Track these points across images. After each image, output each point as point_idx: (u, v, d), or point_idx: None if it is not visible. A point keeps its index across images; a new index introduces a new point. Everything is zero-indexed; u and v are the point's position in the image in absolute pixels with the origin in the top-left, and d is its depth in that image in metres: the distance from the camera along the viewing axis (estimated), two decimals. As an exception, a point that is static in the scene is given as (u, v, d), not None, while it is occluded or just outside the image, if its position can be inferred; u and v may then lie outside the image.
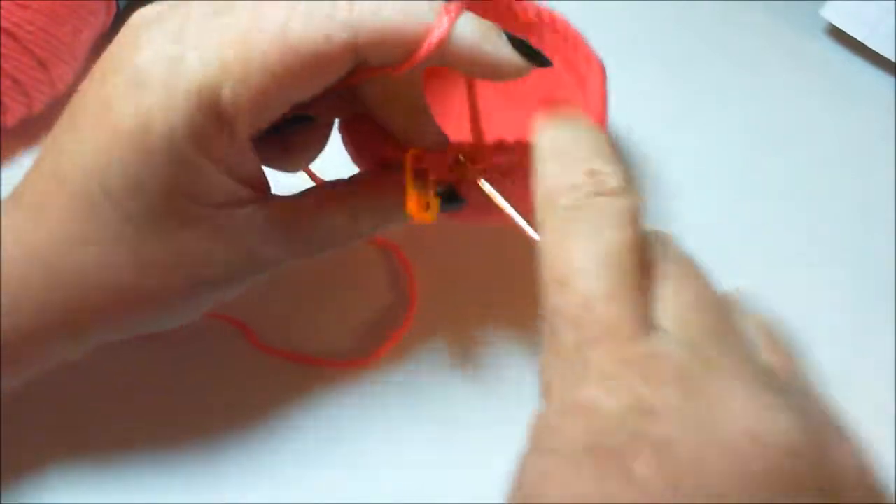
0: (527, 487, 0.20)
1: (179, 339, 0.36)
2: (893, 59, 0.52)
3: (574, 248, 0.21)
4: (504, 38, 0.25)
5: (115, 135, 0.24)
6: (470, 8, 0.26)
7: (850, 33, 0.53)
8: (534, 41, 0.31)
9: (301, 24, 0.23)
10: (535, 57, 0.26)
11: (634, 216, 0.21)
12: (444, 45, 0.24)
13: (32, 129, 0.41)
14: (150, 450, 0.34)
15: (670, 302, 0.21)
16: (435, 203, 0.28)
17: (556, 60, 0.31)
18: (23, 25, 0.37)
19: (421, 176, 0.29)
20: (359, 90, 0.29)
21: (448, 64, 0.25)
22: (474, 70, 0.26)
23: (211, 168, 0.25)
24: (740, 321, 0.22)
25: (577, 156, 0.23)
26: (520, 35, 0.25)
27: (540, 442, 0.20)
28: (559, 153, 0.23)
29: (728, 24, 0.55)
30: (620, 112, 0.49)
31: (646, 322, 0.20)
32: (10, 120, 0.40)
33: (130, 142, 0.24)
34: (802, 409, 0.19)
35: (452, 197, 0.29)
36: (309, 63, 0.23)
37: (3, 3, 0.37)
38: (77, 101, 0.26)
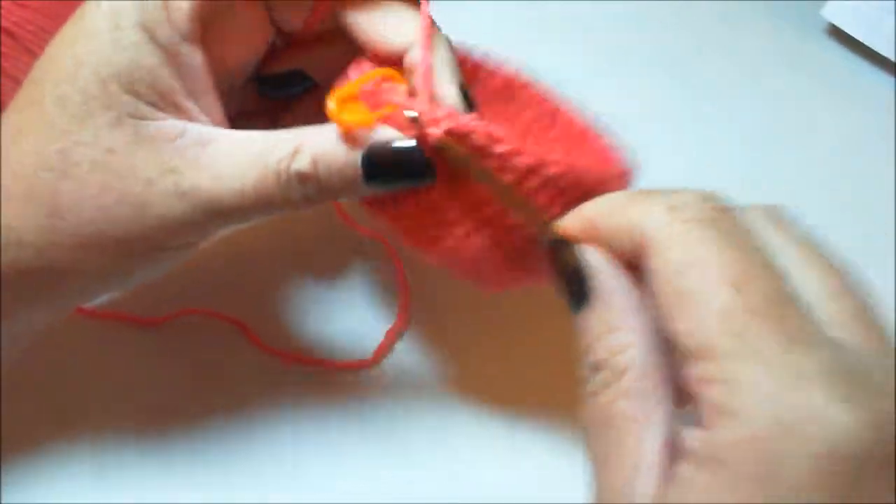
0: None
1: (179, 338, 0.36)
2: (893, 59, 0.52)
3: (736, 253, 0.19)
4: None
5: (75, 18, 0.26)
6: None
7: (850, 33, 0.53)
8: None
9: None
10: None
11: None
12: None
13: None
14: (149, 448, 0.34)
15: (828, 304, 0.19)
16: (361, 109, 0.25)
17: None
18: (23, 25, 0.37)
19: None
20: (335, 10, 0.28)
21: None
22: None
23: (151, 50, 0.25)
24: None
25: (666, 190, 0.22)
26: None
27: (748, 472, 0.17)
28: (642, 193, 0.22)
29: (728, 24, 0.55)
30: (620, 112, 0.49)
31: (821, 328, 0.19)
32: (10, 120, 0.40)
33: (82, 20, 0.25)
34: None
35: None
36: None
37: (2, 2, 0.37)
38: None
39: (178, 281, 0.38)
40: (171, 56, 0.25)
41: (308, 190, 0.26)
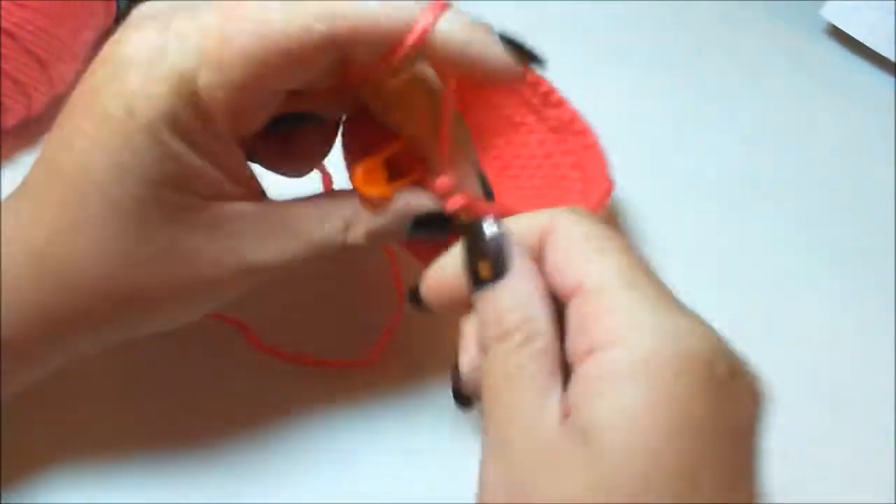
0: None
1: (179, 339, 0.36)
2: (893, 59, 0.52)
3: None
4: (495, 36, 0.25)
5: (101, 120, 0.24)
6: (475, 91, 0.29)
7: (850, 33, 0.53)
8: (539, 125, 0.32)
9: (279, 15, 0.24)
10: (528, 55, 0.26)
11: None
12: (426, 38, 0.24)
13: (32, 129, 0.41)
14: (150, 449, 0.34)
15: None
16: (382, 181, 0.28)
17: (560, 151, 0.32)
18: (23, 25, 0.37)
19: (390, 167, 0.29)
20: (359, 91, 0.29)
21: (436, 62, 0.26)
22: (462, 68, 0.25)
23: (193, 156, 0.25)
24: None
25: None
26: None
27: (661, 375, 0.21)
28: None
29: (728, 25, 0.55)
30: (620, 112, 0.49)
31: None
32: (10, 120, 0.40)
33: (114, 126, 0.24)
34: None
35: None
36: (286, 53, 0.24)
37: (3, 3, 0.37)
38: (74, 93, 0.26)
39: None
40: (213, 155, 0.26)
41: (359, 254, 0.29)
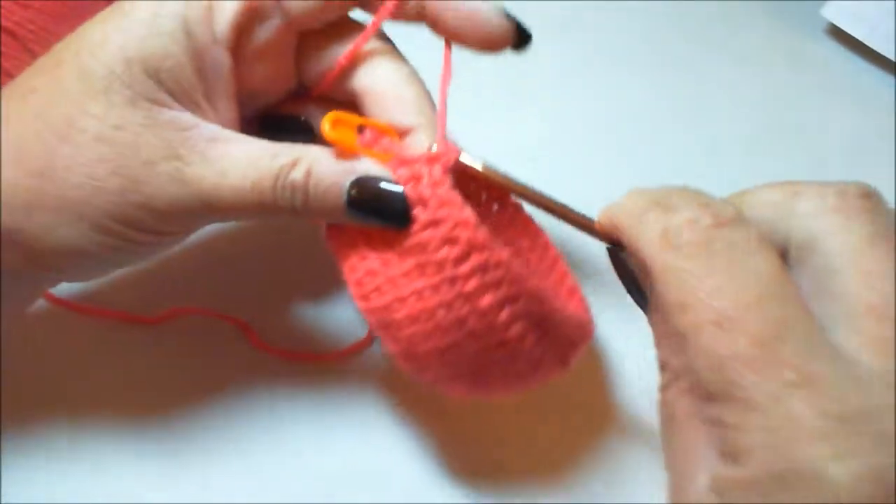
0: None
1: (179, 337, 0.36)
2: (893, 59, 0.52)
3: (727, 284, 0.18)
4: (492, 4, 0.27)
5: (114, 9, 0.26)
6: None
7: (850, 33, 0.53)
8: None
9: None
10: (519, 29, 0.28)
11: (766, 239, 0.20)
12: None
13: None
14: (150, 448, 0.33)
15: (856, 318, 0.18)
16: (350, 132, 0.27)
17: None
18: (23, 25, 0.37)
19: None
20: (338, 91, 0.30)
21: (427, 19, 0.27)
22: (452, 28, 0.27)
23: (179, 53, 0.25)
24: None
25: (680, 196, 0.21)
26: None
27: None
28: (656, 201, 0.22)
29: (728, 25, 0.55)
30: (620, 112, 0.49)
31: (838, 356, 0.17)
32: (11, 119, 0.40)
33: (123, 10, 0.26)
34: None
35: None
36: None
37: (3, 2, 0.37)
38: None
39: (179, 281, 0.38)
40: (201, 54, 0.26)
41: (296, 200, 0.27)
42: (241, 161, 0.26)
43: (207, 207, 0.26)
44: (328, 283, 0.38)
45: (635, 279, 0.23)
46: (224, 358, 0.36)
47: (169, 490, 0.33)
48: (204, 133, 0.26)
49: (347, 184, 0.26)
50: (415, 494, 0.33)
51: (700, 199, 0.21)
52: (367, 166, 0.27)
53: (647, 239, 0.20)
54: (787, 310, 0.18)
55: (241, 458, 0.34)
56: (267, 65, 0.28)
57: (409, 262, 0.26)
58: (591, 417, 0.36)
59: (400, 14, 0.28)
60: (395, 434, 0.35)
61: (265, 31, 0.27)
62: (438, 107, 0.28)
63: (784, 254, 0.20)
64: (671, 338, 0.20)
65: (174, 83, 0.26)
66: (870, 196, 0.20)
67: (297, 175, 0.26)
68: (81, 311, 0.36)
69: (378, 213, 0.27)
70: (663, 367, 0.21)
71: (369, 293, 0.27)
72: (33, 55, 0.38)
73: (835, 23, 0.53)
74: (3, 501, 0.32)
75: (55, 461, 0.33)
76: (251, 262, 0.39)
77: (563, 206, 0.27)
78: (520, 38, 0.28)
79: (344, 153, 0.27)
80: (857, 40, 0.53)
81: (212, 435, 0.34)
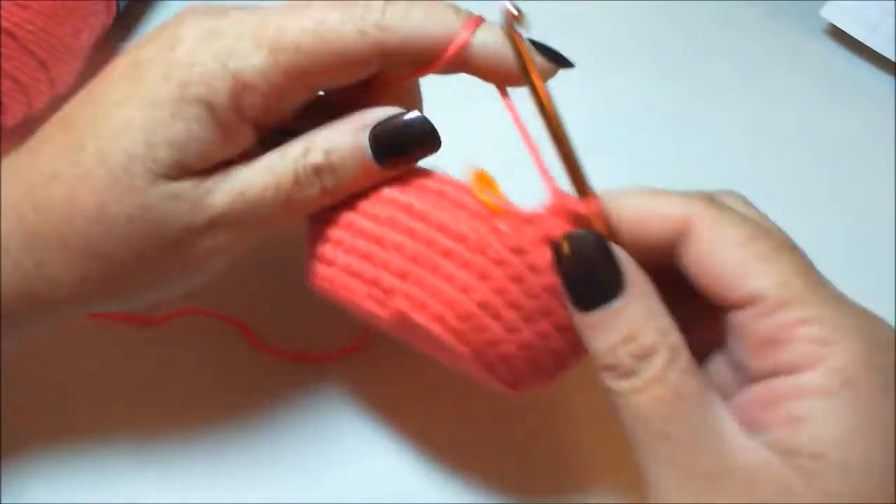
0: None
1: (179, 338, 0.36)
2: (893, 59, 0.52)
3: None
4: (528, 42, 0.26)
5: (129, 79, 0.26)
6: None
7: (850, 33, 0.53)
8: None
9: (337, 17, 0.25)
10: (559, 59, 0.27)
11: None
12: (466, 48, 0.26)
13: (32, 129, 0.41)
14: (150, 448, 0.33)
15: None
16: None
17: None
18: (23, 25, 0.37)
19: None
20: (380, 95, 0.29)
21: (474, 69, 0.27)
22: (501, 73, 0.26)
23: (205, 129, 0.25)
24: None
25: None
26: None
27: (873, 383, 0.20)
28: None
29: (728, 25, 0.55)
30: (621, 112, 0.49)
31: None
32: (10, 120, 0.40)
33: (138, 84, 0.25)
34: None
35: None
36: (338, 52, 0.25)
37: (3, 3, 0.37)
38: (113, 62, 0.27)
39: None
40: (227, 131, 0.26)
41: (325, 181, 0.27)
42: (256, 174, 0.26)
43: (240, 235, 0.27)
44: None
45: (613, 265, 0.23)
46: (224, 359, 0.36)
47: (169, 490, 0.33)
48: (218, 177, 0.26)
49: (365, 139, 0.26)
50: (414, 495, 0.33)
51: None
52: (372, 114, 0.27)
53: (692, 202, 0.24)
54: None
55: (241, 458, 0.34)
56: (285, 113, 0.28)
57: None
58: (592, 417, 0.36)
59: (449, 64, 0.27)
60: (394, 434, 0.35)
61: (294, 100, 0.27)
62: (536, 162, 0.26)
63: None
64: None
65: (198, 159, 0.26)
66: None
67: (316, 157, 0.26)
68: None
69: (406, 145, 0.26)
70: (649, 353, 0.22)
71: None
72: (33, 56, 0.38)
73: (835, 23, 0.53)
74: (3, 501, 0.32)
75: (55, 461, 0.33)
76: (251, 264, 0.39)
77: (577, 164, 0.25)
78: (559, 64, 0.28)
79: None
80: (857, 40, 0.53)
81: (212, 435, 0.34)
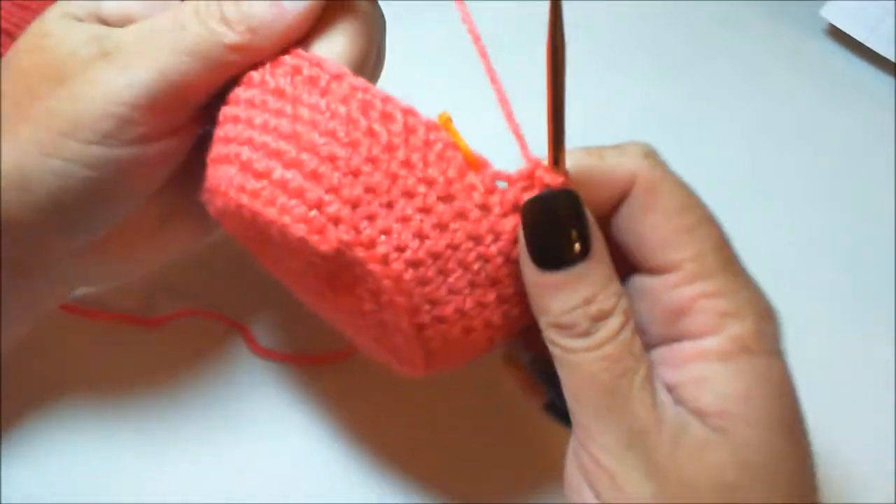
0: None
1: (179, 338, 0.36)
2: (893, 59, 0.52)
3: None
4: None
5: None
6: None
7: (850, 33, 0.53)
8: None
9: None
10: None
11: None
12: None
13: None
14: (149, 448, 0.34)
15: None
16: None
17: None
18: (22, 25, 0.37)
19: None
20: None
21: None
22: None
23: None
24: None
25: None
26: None
27: (765, 348, 0.23)
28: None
29: (728, 25, 0.55)
30: (620, 112, 0.49)
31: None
32: (10, 120, 0.40)
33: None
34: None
35: None
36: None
37: (3, 3, 0.37)
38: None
39: (178, 281, 0.38)
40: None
41: (231, 18, 0.24)
42: (153, 10, 0.26)
43: (150, 88, 0.24)
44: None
45: (583, 224, 0.23)
46: (223, 359, 0.36)
47: (169, 490, 0.33)
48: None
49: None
50: (413, 494, 0.33)
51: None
52: None
53: (636, 160, 0.26)
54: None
55: (240, 458, 0.34)
56: None
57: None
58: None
59: None
60: (393, 434, 0.35)
61: None
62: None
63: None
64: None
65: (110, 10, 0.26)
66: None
67: (230, 12, 0.24)
68: (81, 314, 0.36)
69: None
70: (606, 315, 0.23)
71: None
72: (32, 56, 0.38)
73: (835, 23, 0.53)
74: (3, 501, 0.32)
75: (55, 461, 0.33)
76: (251, 263, 0.39)
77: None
78: None
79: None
80: (857, 40, 0.53)
81: (212, 436, 0.34)
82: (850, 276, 0.42)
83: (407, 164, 0.23)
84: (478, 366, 0.37)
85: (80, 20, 0.26)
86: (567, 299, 0.22)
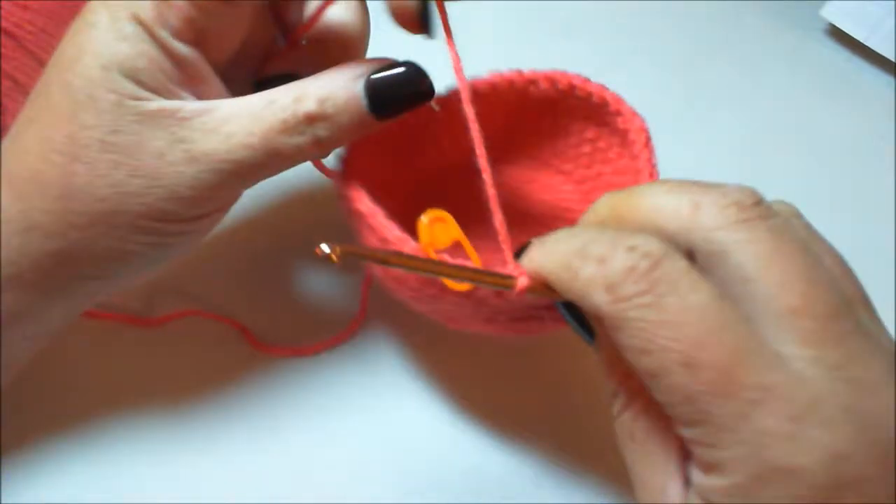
0: None
1: (179, 338, 0.36)
2: (893, 59, 0.52)
3: (681, 327, 0.20)
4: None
5: (80, 22, 0.26)
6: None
7: (850, 33, 0.53)
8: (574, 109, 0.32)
9: None
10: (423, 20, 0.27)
11: (693, 269, 0.21)
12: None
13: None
14: (150, 448, 0.34)
15: (784, 319, 0.20)
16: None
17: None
18: (23, 26, 0.37)
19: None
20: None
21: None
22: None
23: (147, 47, 0.25)
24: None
25: (601, 244, 0.22)
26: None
27: None
28: (579, 253, 0.22)
29: (728, 25, 0.55)
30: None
31: (779, 359, 0.19)
32: (10, 120, 0.40)
33: (85, 20, 0.26)
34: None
35: None
36: None
37: (3, 3, 0.37)
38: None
39: (178, 281, 0.38)
40: (166, 49, 0.26)
41: (318, 130, 0.27)
42: (241, 119, 0.26)
43: (228, 176, 0.26)
44: (324, 284, 0.39)
45: (580, 318, 0.25)
46: (223, 358, 0.36)
47: (169, 490, 0.33)
48: (194, 109, 0.26)
49: (361, 88, 0.27)
50: (413, 494, 0.34)
51: (621, 241, 0.21)
52: (367, 63, 0.27)
53: (593, 295, 0.21)
54: (736, 334, 0.20)
55: (241, 458, 0.34)
56: (238, 37, 0.28)
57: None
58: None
59: None
60: (391, 427, 0.35)
61: (223, 18, 0.27)
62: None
63: (690, 257, 0.22)
64: (625, 370, 0.22)
65: (151, 79, 0.26)
66: (761, 202, 0.22)
67: (308, 106, 0.26)
68: (81, 314, 0.36)
69: (403, 99, 0.27)
70: (615, 394, 0.23)
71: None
72: (32, 56, 0.38)
73: (835, 23, 0.53)
74: (3, 501, 0.32)
75: (55, 461, 0.33)
76: (251, 263, 0.39)
77: (475, 270, 0.25)
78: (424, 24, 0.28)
79: (426, 246, 0.26)
80: (857, 40, 0.53)
81: (211, 436, 0.34)
82: (850, 276, 0.42)
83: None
84: (479, 367, 0.37)
85: (133, 99, 0.26)
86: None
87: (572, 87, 0.32)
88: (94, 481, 0.33)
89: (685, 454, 0.22)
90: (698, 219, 0.21)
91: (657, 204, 0.22)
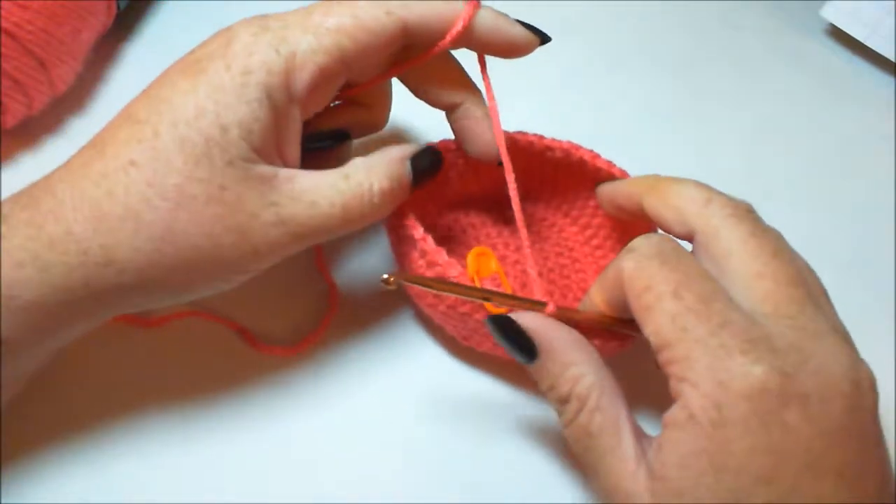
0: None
1: (179, 338, 0.36)
2: (893, 59, 0.52)
3: (675, 272, 0.27)
4: (513, 20, 0.32)
5: (192, 73, 0.28)
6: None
7: (850, 33, 0.53)
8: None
9: (367, 4, 0.30)
10: (538, 33, 0.33)
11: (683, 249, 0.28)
12: (469, 24, 0.31)
13: (32, 129, 0.41)
14: (150, 448, 0.33)
15: (755, 290, 0.27)
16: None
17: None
18: (23, 26, 0.37)
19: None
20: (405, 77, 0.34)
21: (473, 44, 0.32)
22: (494, 46, 0.32)
23: (266, 112, 0.28)
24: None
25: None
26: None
27: (708, 419, 0.24)
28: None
29: (728, 26, 0.55)
30: (621, 112, 0.49)
31: (741, 308, 0.26)
32: (10, 120, 0.40)
33: (200, 75, 0.28)
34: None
35: None
36: (370, 30, 0.29)
37: (3, 3, 0.37)
38: (174, 63, 0.30)
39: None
40: (280, 113, 0.29)
41: (383, 201, 0.31)
42: (322, 189, 0.30)
43: (302, 239, 0.30)
44: (323, 283, 0.39)
45: (522, 338, 0.29)
46: (223, 359, 0.36)
47: (169, 490, 0.33)
48: (284, 176, 0.29)
49: (409, 167, 0.32)
50: (413, 492, 0.34)
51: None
52: (408, 147, 0.33)
53: (620, 259, 0.28)
54: (711, 284, 0.27)
55: (241, 458, 0.34)
56: (326, 95, 0.31)
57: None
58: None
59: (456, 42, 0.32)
60: (397, 431, 0.35)
61: (333, 85, 0.31)
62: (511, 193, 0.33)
63: (691, 238, 0.29)
64: (575, 374, 0.28)
65: (260, 142, 0.28)
66: (753, 211, 0.30)
67: (383, 184, 0.31)
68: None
69: (428, 170, 0.33)
70: (565, 401, 0.28)
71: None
72: (33, 56, 0.38)
73: (835, 23, 0.53)
74: (3, 501, 0.32)
75: (55, 461, 0.33)
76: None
77: (512, 296, 0.30)
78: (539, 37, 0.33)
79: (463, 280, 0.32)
80: (857, 40, 0.53)
81: (211, 436, 0.34)
82: (850, 276, 0.42)
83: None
84: (479, 369, 0.37)
85: (243, 160, 0.28)
86: (541, 384, 0.29)
87: (583, 162, 0.37)
88: (93, 480, 0.33)
89: (638, 434, 0.27)
90: (707, 207, 0.29)
91: (684, 191, 0.30)
